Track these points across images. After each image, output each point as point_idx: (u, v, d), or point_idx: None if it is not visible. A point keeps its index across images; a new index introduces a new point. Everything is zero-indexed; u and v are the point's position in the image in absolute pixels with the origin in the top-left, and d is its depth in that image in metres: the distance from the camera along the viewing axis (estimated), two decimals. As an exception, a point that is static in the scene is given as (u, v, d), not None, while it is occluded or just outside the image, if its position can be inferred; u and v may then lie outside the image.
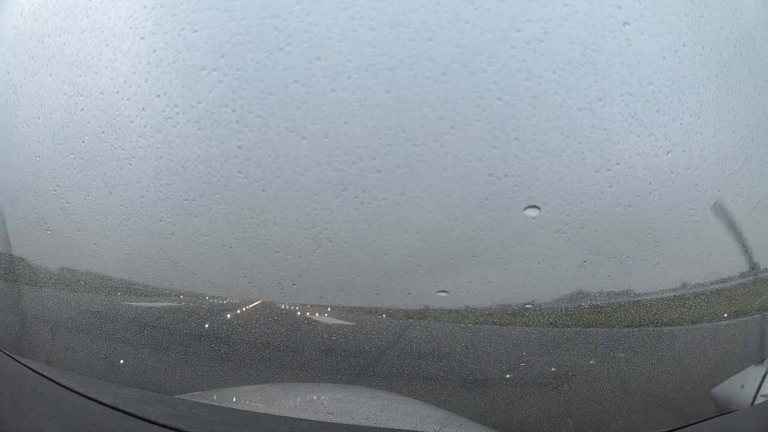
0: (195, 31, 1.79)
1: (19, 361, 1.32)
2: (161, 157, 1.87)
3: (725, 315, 2.10)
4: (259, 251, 1.85)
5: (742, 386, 1.60)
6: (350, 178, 1.75)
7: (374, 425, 1.45)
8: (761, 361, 1.82)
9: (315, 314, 2.02)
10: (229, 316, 2.02)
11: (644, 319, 2.01)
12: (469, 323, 1.94)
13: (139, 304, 2.09)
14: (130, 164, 1.91)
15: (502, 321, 1.91)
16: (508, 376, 1.98)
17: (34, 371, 1.26)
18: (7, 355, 1.34)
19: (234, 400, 1.72)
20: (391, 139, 1.72)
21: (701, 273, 1.99)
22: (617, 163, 1.78)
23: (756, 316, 2.11)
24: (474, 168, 1.74)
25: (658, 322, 2.01)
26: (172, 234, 1.90)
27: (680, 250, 1.93)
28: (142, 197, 1.93)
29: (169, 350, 2.10)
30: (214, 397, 1.73)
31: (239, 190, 1.83)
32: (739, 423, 1.38)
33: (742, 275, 2.04)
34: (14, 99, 2.13)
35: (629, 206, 1.81)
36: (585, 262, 1.82)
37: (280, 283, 1.86)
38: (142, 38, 1.84)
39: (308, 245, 1.80)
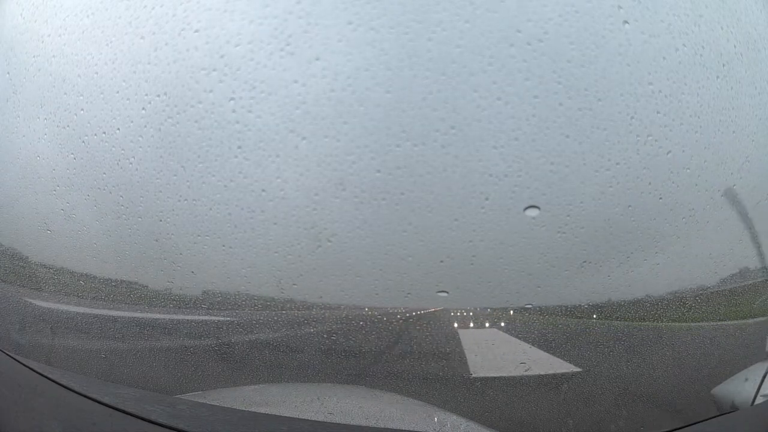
0: (195, 31, 1.79)
1: (19, 361, 1.32)
2: (161, 157, 1.87)
3: (725, 315, 2.10)
4: (259, 251, 1.84)
5: (742, 386, 1.60)
6: (350, 178, 1.75)
7: (374, 425, 1.45)
8: (761, 361, 1.82)
9: (315, 314, 2.02)
10: (228, 316, 2.02)
11: (644, 319, 2.01)
12: (469, 323, 1.93)
13: (139, 304, 2.09)
14: (130, 164, 1.91)
15: (502, 321, 1.91)
16: (507, 376, 1.97)
17: (34, 371, 1.27)
18: (7, 355, 1.34)
19: (234, 400, 1.72)
20: (391, 139, 1.72)
21: (701, 273, 1.99)
22: (617, 163, 1.78)
23: (756, 315, 2.11)
24: (474, 168, 1.74)
25: (657, 322, 2.01)
26: (172, 234, 1.90)
27: (680, 250, 1.93)
28: (142, 197, 1.93)
29: (169, 350, 2.10)
30: (214, 397, 1.73)
31: (239, 190, 1.83)
32: (739, 423, 1.38)
33: (742, 275, 2.04)
34: (14, 99, 2.13)
35: (629, 206, 1.81)
36: (585, 262, 1.81)
37: (280, 283, 1.86)
38: (142, 38, 1.84)
39: (308, 245, 1.80)
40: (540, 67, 1.69)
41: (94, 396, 1.15)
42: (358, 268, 1.82)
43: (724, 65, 1.88)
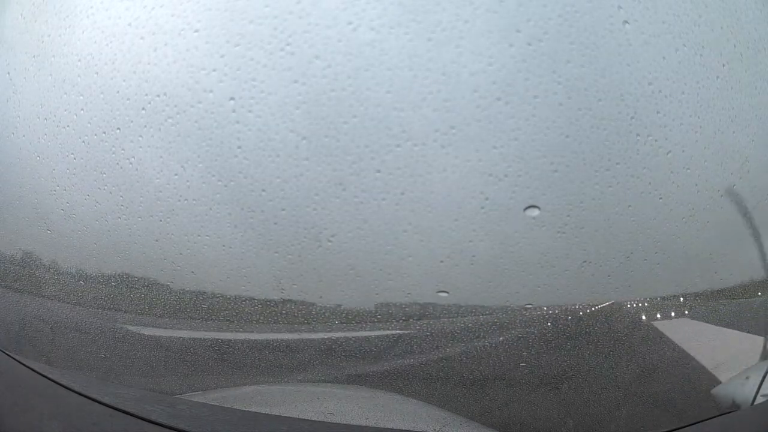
0: (195, 31, 1.79)
1: (19, 361, 1.31)
2: (161, 157, 1.87)
3: (725, 315, 2.10)
4: (259, 251, 1.84)
5: (742, 386, 1.60)
6: (350, 178, 1.75)
7: (374, 425, 1.45)
8: (761, 361, 1.82)
9: (315, 314, 2.02)
10: (228, 316, 2.02)
11: (644, 319, 2.01)
12: (469, 323, 1.93)
13: (139, 304, 2.09)
14: (130, 164, 1.91)
15: (502, 321, 1.91)
16: (508, 376, 1.98)
17: (34, 371, 1.26)
18: (7, 355, 1.33)
19: (234, 400, 1.72)
20: (391, 139, 1.72)
21: (701, 273, 1.99)
22: (617, 163, 1.78)
23: (756, 315, 2.11)
24: (474, 168, 1.74)
25: (658, 322, 2.01)
26: (172, 234, 1.90)
27: (680, 250, 1.93)
28: (142, 197, 1.93)
29: (169, 350, 2.10)
30: (214, 397, 1.73)
31: (239, 190, 1.83)
32: (739, 423, 1.38)
33: (742, 275, 2.04)
34: (14, 99, 2.13)
35: (629, 206, 1.81)
36: (585, 262, 1.81)
37: (280, 283, 1.86)
38: (142, 38, 1.84)
39: (308, 245, 1.80)
40: (540, 67, 1.69)
41: (94, 396, 1.15)
42: (358, 268, 1.82)
43: (724, 65, 1.88)
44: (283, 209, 1.81)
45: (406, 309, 1.88)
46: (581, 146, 1.76)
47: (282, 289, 1.87)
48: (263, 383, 2.04)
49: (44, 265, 2.19)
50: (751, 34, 1.94)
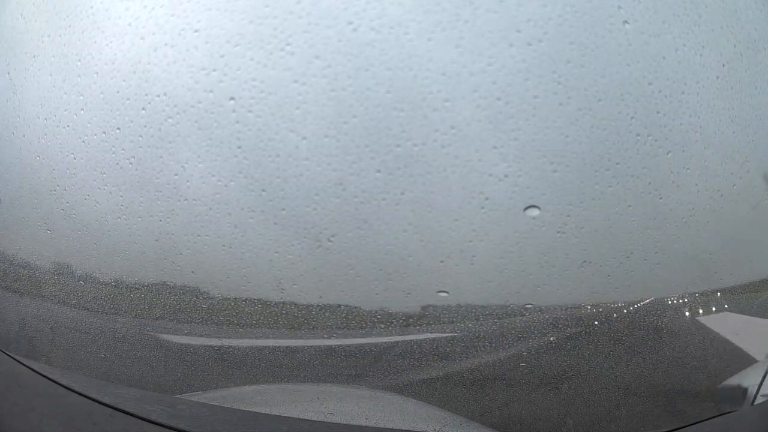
0: (195, 31, 1.79)
1: (19, 361, 1.31)
2: (161, 157, 1.88)
3: (725, 315, 2.10)
4: (259, 251, 1.85)
5: (742, 386, 1.60)
6: (350, 178, 1.75)
7: (374, 425, 1.45)
8: (761, 361, 1.82)
9: (315, 314, 2.02)
10: (228, 316, 2.02)
11: (644, 319, 2.01)
12: (469, 323, 1.94)
13: (138, 304, 2.09)
14: (130, 164, 1.91)
15: (502, 321, 1.91)
16: (508, 376, 1.98)
17: (34, 371, 1.26)
18: (7, 355, 1.33)
19: (234, 400, 1.72)
20: (391, 139, 1.72)
21: (701, 273, 1.99)
22: (617, 163, 1.78)
23: (756, 315, 2.11)
24: (474, 168, 1.74)
25: (658, 322, 2.01)
26: (172, 234, 1.90)
27: (680, 250, 1.93)
28: (142, 197, 1.93)
29: (169, 350, 2.10)
30: (214, 397, 1.73)
31: (239, 190, 1.83)
32: (739, 423, 1.38)
33: (742, 275, 2.04)
34: (14, 99, 2.13)
35: (629, 206, 1.81)
36: (585, 262, 1.81)
37: (280, 283, 1.86)
38: (142, 38, 1.84)
39: (308, 245, 1.80)
40: (540, 67, 1.69)
41: (94, 396, 1.15)
42: (358, 268, 1.82)
43: (724, 65, 1.88)
44: (283, 209, 1.81)
45: (406, 309, 1.88)
46: (581, 146, 1.76)
47: (282, 289, 1.87)
48: (263, 383, 2.04)
49: (44, 265, 2.19)
50: (751, 34, 1.94)
